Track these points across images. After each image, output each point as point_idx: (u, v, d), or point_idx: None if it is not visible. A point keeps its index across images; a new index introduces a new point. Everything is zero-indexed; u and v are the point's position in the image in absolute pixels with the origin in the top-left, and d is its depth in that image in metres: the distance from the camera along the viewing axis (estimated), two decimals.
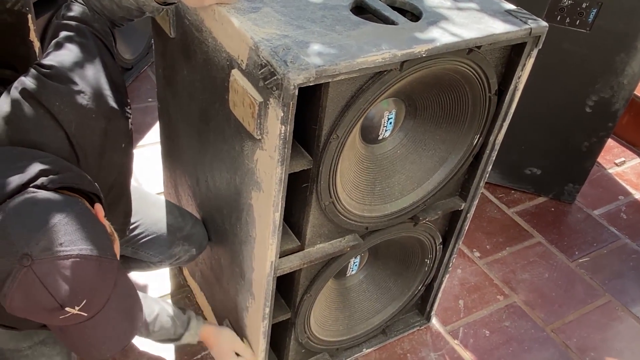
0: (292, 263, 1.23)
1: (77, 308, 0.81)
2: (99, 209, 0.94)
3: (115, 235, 0.96)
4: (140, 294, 1.33)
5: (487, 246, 2.06)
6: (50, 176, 0.88)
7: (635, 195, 2.37)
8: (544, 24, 1.12)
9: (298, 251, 1.26)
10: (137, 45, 2.66)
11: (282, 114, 0.93)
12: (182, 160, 1.49)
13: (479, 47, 1.08)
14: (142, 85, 2.67)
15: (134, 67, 2.69)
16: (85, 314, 0.82)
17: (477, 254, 2.03)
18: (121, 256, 1.45)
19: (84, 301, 0.81)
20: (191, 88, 1.27)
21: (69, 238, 0.80)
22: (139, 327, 0.94)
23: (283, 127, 0.95)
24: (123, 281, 0.90)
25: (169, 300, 1.73)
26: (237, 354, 1.40)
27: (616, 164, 2.53)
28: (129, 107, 1.15)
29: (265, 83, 0.93)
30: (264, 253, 1.15)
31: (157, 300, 1.30)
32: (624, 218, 2.26)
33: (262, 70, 0.93)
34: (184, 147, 1.45)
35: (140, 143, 2.34)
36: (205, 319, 1.64)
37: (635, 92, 2.47)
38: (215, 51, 1.09)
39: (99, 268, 0.82)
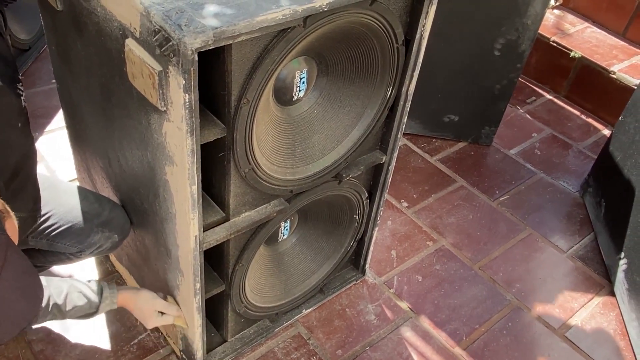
0: (218, 235, 1.20)
1: None
2: None
3: (11, 213, 0.89)
4: (45, 277, 1.26)
5: (414, 195, 2.12)
6: None
7: (547, 131, 2.50)
8: None
9: (223, 222, 1.24)
10: (32, 24, 2.47)
11: (184, 82, 0.89)
12: (91, 142, 1.41)
13: None
14: (43, 66, 2.49)
15: (32, 48, 2.50)
16: None
17: (405, 204, 2.08)
18: (38, 250, 1.38)
19: None
20: (88, 63, 1.18)
21: None
22: (39, 307, 0.88)
23: (187, 95, 0.91)
24: (15, 258, 0.83)
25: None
26: (162, 313, 1.34)
27: (528, 103, 2.65)
28: (20, 83, 1.06)
29: (162, 50, 0.88)
30: (187, 228, 1.12)
31: (64, 279, 1.23)
32: (538, 154, 2.38)
33: (156, 37, 0.88)
34: (90, 127, 1.36)
35: (48, 128, 2.19)
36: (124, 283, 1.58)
37: (540, 32, 2.58)
38: (106, 21, 1.02)
39: None
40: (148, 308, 1.32)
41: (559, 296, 1.83)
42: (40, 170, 2.00)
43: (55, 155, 2.06)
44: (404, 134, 2.33)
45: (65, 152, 1.84)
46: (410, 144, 2.34)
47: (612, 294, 1.84)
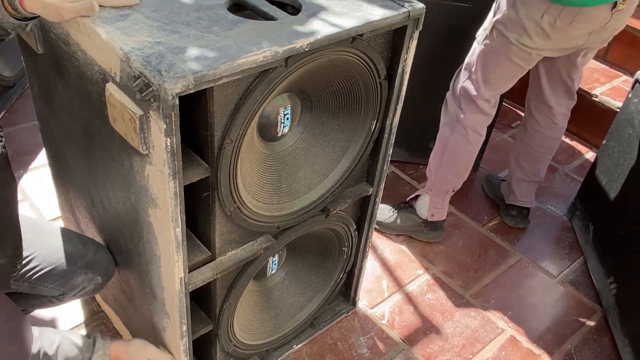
0: (204, 275, 1.18)
1: None
2: None
3: None
4: (37, 328, 1.23)
5: None
6: None
7: None
8: (421, 5, 1.13)
9: (209, 262, 1.22)
10: (16, 61, 2.46)
11: (165, 126, 0.88)
12: (74, 182, 1.40)
13: (361, 35, 1.07)
14: (27, 102, 2.48)
15: (16, 85, 2.49)
16: None
17: (394, 233, 2.07)
18: (20, 294, 1.34)
19: None
20: (69, 105, 1.18)
21: None
22: (29, 350, 0.86)
23: (168, 139, 0.90)
24: (0, 303, 0.81)
25: (83, 330, 1.63)
26: None
27: (512, 127, 2.67)
28: None
29: (142, 95, 0.88)
30: (171, 270, 1.10)
31: (56, 330, 1.21)
32: None
33: (136, 82, 0.88)
34: (73, 167, 1.35)
35: (32, 165, 2.17)
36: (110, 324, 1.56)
37: None
38: (86, 65, 1.02)
39: None
40: (140, 356, 1.29)
41: (551, 322, 1.82)
42: (24, 208, 1.99)
43: (40, 193, 2.04)
44: (391, 162, 2.33)
45: (50, 190, 1.82)
46: (398, 171, 2.35)
47: (604, 318, 1.83)
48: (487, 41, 1.67)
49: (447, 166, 1.87)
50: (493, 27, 1.64)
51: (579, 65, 1.79)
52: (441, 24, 1.98)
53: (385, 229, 2.04)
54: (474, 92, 1.75)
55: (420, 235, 2.03)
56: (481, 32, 1.72)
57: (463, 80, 1.77)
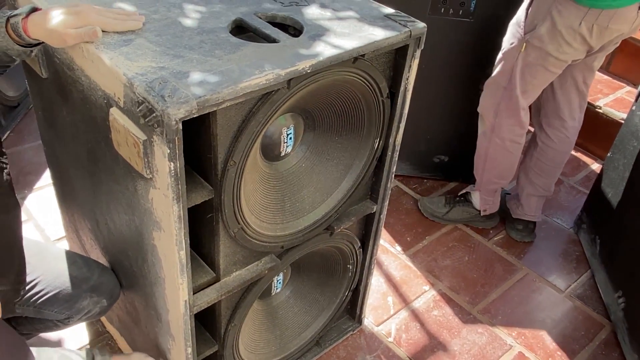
0: (208, 297, 1.18)
1: None
2: None
3: None
4: (35, 348, 1.22)
5: (408, 238, 2.10)
6: None
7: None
8: (422, 24, 1.14)
9: (214, 283, 1.21)
10: (20, 82, 2.48)
11: (169, 151, 0.88)
12: (79, 203, 1.40)
13: (363, 56, 1.07)
14: (32, 122, 2.49)
15: (21, 104, 2.51)
16: None
17: (399, 248, 2.06)
18: (25, 318, 1.34)
19: None
20: (73, 129, 1.18)
21: None
22: None
23: (172, 163, 0.90)
24: (2, 333, 0.81)
25: None
26: None
27: None
28: (4, 156, 1.05)
29: (146, 120, 0.88)
30: (176, 293, 1.09)
31: (54, 349, 1.20)
32: None
33: (140, 108, 0.88)
34: (77, 189, 1.35)
35: (37, 185, 2.18)
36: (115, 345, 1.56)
37: None
38: (90, 90, 1.02)
39: None
40: None
41: (559, 338, 1.80)
42: (29, 228, 1.99)
43: (45, 213, 2.04)
44: (395, 176, 2.33)
45: (54, 210, 1.82)
46: (402, 185, 2.34)
47: (612, 333, 1.81)
48: (522, 58, 1.72)
49: (491, 171, 1.99)
50: (526, 44, 1.69)
51: (594, 69, 1.84)
52: (443, 39, 1.98)
53: (440, 220, 2.17)
54: (514, 106, 1.81)
55: (477, 224, 2.16)
56: (511, 51, 1.75)
57: (500, 96, 1.83)
